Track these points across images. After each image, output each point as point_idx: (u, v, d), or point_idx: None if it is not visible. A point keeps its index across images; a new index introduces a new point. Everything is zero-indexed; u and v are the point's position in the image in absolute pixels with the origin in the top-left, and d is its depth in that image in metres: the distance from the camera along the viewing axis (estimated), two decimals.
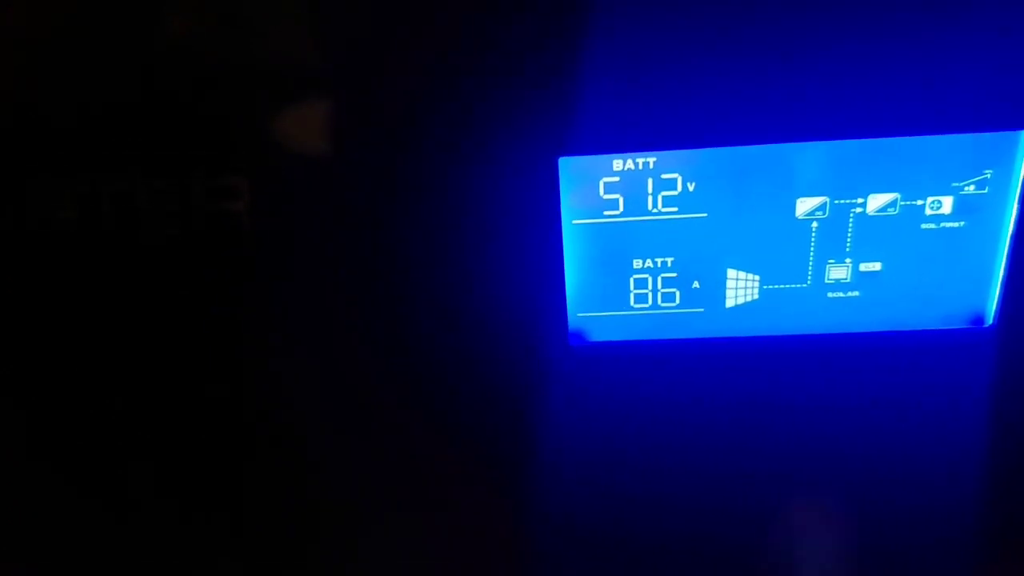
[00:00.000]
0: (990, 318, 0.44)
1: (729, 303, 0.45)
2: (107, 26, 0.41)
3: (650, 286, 0.45)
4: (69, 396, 0.47)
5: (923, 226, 0.43)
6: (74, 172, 0.43)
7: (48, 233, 0.44)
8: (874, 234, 0.43)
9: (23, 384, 0.47)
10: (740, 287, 0.44)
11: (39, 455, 0.49)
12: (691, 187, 0.42)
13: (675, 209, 0.43)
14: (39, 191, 0.43)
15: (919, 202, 0.42)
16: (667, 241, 0.44)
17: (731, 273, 0.44)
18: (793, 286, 0.44)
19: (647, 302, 0.45)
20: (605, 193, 0.43)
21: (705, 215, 0.43)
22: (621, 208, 0.43)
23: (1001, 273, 0.43)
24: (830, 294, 0.44)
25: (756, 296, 0.44)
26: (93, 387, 0.47)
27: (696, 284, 0.44)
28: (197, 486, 0.48)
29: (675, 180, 0.42)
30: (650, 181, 0.42)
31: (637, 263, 0.44)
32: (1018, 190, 0.42)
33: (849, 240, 0.43)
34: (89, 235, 0.44)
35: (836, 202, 0.42)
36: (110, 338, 0.46)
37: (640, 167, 0.42)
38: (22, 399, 0.48)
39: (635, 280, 0.45)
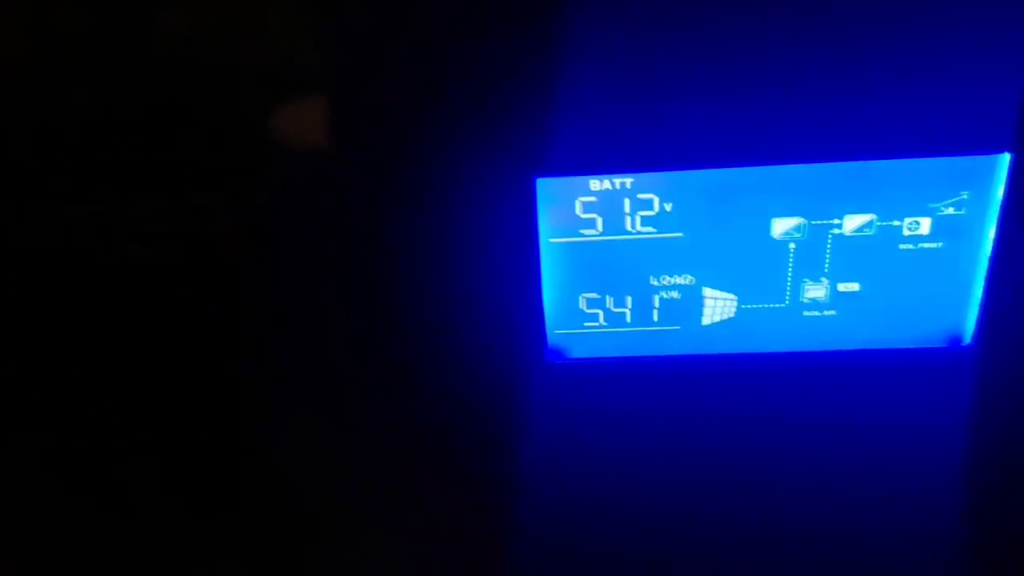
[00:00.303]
0: (968, 338, 0.44)
1: (706, 321, 0.45)
2: (89, 37, 0.42)
3: (628, 304, 0.45)
4: (59, 406, 0.48)
5: (901, 247, 0.43)
6: (59, 192, 0.44)
7: (33, 253, 0.44)
8: (851, 255, 0.43)
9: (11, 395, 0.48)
10: (717, 306, 0.44)
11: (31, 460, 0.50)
12: (668, 207, 0.43)
13: (652, 229, 0.43)
14: (18, 212, 0.44)
15: (896, 223, 0.42)
16: (644, 260, 0.44)
17: (708, 292, 0.44)
18: (770, 306, 0.44)
19: (625, 320, 0.45)
20: (583, 213, 0.43)
21: (682, 235, 0.43)
22: (599, 228, 0.43)
23: (979, 293, 0.43)
24: (807, 313, 0.44)
25: (733, 314, 0.45)
26: (83, 395, 0.48)
27: (673, 303, 0.45)
28: (176, 498, 0.49)
29: (652, 200, 0.43)
30: (627, 201, 0.43)
31: (615, 282, 0.44)
32: (996, 211, 0.42)
33: (827, 261, 0.43)
34: (75, 253, 0.45)
35: (813, 223, 0.42)
36: (100, 350, 0.47)
37: (617, 187, 0.42)
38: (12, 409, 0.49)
39: (612, 298, 0.45)
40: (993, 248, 0.42)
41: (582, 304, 0.45)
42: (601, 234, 0.43)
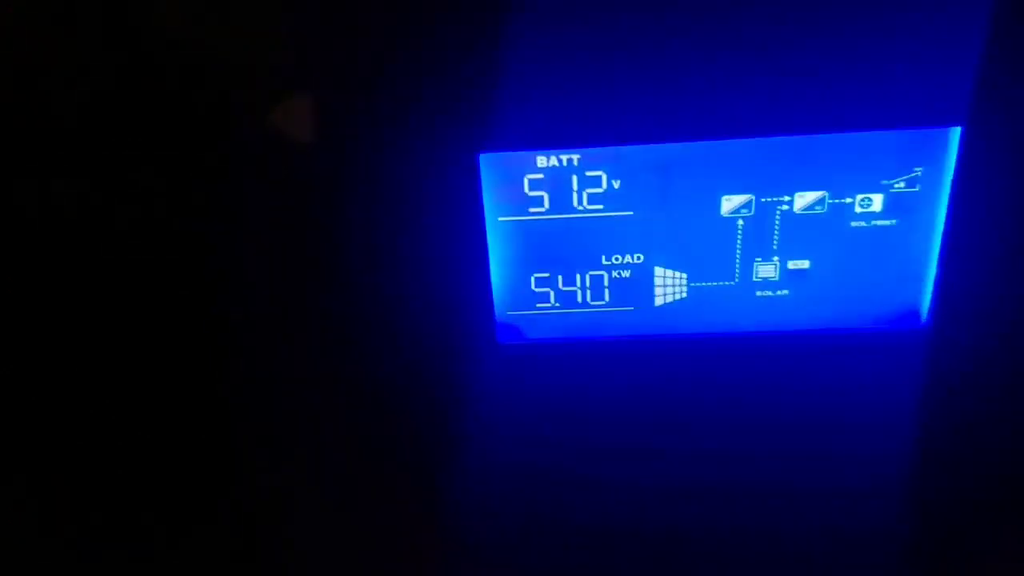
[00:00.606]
0: (923, 317, 0.44)
1: (658, 301, 0.44)
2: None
3: (579, 284, 0.44)
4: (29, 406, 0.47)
5: (853, 224, 0.42)
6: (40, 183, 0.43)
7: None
8: (801, 232, 0.42)
9: None
10: (668, 285, 0.44)
11: None
12: (616, 184, 0.42)
13: (601, 207, 0.42)
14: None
15: (848, 200, 0.42)
16: (594, 239, 0.43)
17: (658, 271, 0.44)
18: (721, 284, 0.44)
19: (576, 300, 0.45)
20: (530, 190, 0.42)
21: (631, 213, 0.42)
22: (547, 205, 0.43)
23: (934, 272, 0.43)
24: (759, 292, 0.44)
25: (684, 294, 0.44)
26: (44, 396, 0.47)
27: (624, 282, 0.44)
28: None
29: (600, 177, 0.42)
30: (575, 178, 0.42)
31: (565, 261, 0.44)
32: (950, 188, 0.41)
33: (776, 238, 0.42)
34: (52, 246, 0.44)
35: (762, 200, 0.42)
36: (64, 341, 0.46)
37: (564, 164, 0.42)
38: None
39: (563, 278, 0.44)
40: (947, 225, 0.42)
41: (532, 284, 0.44)
42: (549, 212, 0.43)
